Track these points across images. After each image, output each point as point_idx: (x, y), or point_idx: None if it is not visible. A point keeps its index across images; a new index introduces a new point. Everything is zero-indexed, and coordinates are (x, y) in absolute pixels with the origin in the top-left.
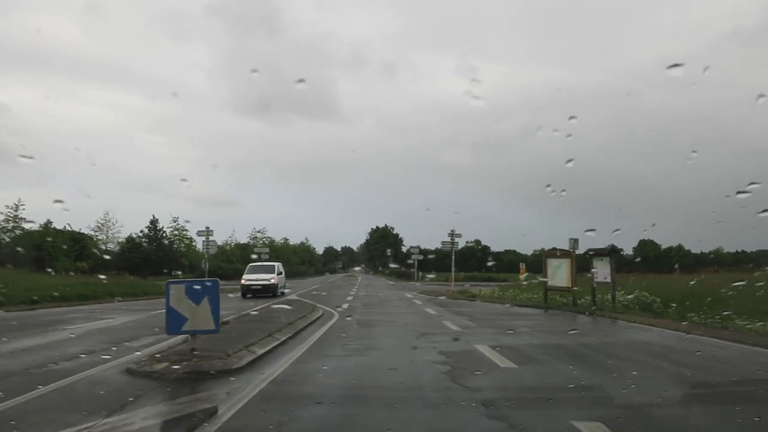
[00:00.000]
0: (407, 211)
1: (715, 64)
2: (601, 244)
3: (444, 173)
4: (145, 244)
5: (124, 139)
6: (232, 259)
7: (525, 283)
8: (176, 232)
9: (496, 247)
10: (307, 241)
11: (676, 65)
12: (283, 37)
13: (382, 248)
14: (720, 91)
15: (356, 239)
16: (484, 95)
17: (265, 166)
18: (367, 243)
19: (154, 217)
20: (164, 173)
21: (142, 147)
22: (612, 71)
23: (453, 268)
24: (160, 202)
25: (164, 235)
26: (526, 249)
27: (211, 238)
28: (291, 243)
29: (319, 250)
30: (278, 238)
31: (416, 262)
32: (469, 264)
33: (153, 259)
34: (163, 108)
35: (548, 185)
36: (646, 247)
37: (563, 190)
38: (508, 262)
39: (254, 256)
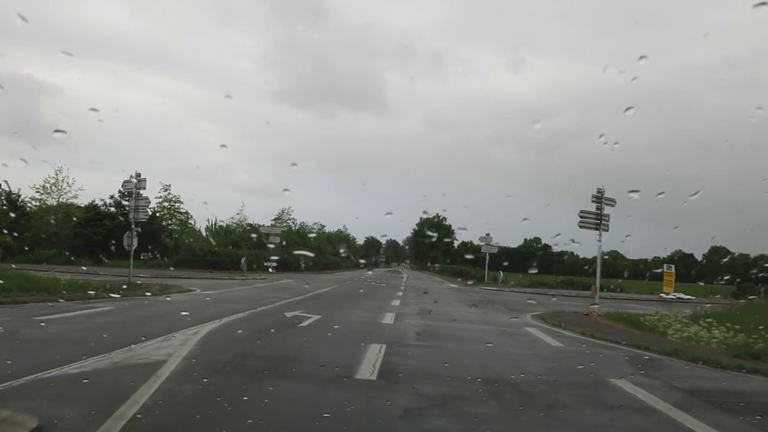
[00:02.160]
0: (452, 209)
1: None
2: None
3: (490, 170)
4: (120, 216)
5: (172, 126)
6: (240, 244)
7: (669, 296)
8: (166, 204)
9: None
10: (346, 229)
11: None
12: (331, 25)
13: (433, 241)
14: None
15: (399, 235)
16: (534, 92)
17: (311, 158)
18: (415, 234)
19: (132, 178)
20: (211, 161)
21: (191, 135)
22: (669, 71)
23: (599, 267)
24: (207, 191)
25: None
26: (585, 252)
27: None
28: (326, 231)
29: (360, 241)
30: (310, 223)
31: (487, 258)
32: (527, 264)
33: (122, 236)
34: (211, 96)
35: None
36: (718, 253)
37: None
38: (571, 263)
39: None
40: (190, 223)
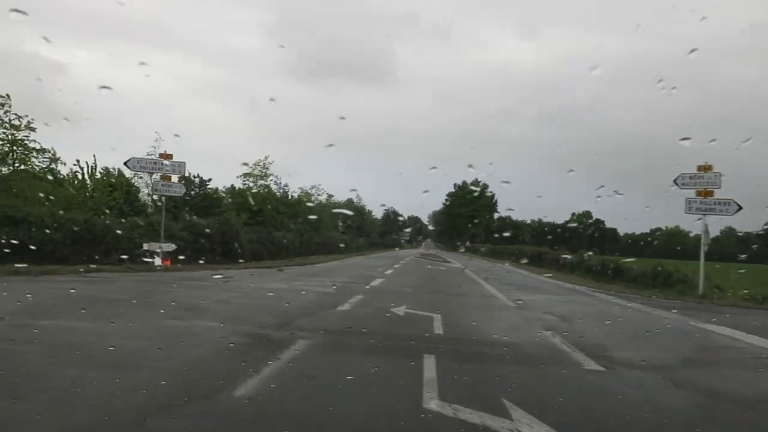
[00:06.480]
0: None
1: None
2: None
3: (504, 145)
4: None
5: (178, 105)
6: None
7: None
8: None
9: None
10: (359, 200)
11: None
12: None
13: (471, 213)
14: None
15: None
16: (549, 62)
17: (320, 135)
18: (448, 207)
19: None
20: (218, 141)
21: (197, 113)
22: (693, 37)
23: None
24: (215, 171)
25: None
26: (633, 227)
27: None
28: (335, 199)
29: (378, 215)
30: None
31: (705, 233)
32: (573, 244)
33: None
34: (217, 74)
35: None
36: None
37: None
38: (638, 242)
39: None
40: (62, 175)
